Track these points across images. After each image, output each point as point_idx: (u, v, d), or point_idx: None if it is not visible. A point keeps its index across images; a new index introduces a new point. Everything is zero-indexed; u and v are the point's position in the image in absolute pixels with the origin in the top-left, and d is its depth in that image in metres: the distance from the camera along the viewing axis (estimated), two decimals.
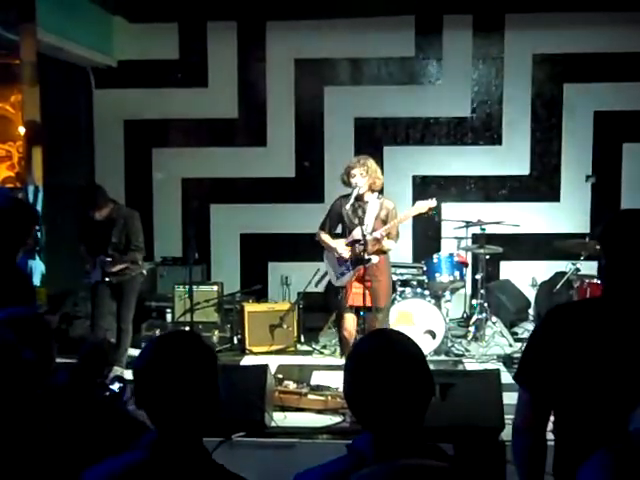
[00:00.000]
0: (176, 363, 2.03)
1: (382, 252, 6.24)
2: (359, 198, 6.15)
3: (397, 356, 1.97)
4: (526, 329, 8.39)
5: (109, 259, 6.50)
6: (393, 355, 1.97)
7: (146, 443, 2.03)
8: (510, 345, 7.59)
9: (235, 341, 7.87)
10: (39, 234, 6.94)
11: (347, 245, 6.25)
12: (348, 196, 6.18)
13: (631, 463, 1.61)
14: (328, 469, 1.97)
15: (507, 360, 7.10)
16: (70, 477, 2.36)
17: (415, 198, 6.48)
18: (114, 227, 6.51)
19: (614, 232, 2.47)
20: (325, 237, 6.37)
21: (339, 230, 6.45)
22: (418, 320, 7.32)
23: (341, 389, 2.10)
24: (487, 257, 7.97)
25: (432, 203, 6.21)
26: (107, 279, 6.57)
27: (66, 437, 2.75)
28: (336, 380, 5.78)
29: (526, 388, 2.51)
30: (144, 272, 6.92)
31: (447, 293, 7.79)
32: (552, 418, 2.54)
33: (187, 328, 7.21)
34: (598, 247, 2.53)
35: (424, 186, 9.07)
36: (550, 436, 2.51)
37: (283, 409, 5.53)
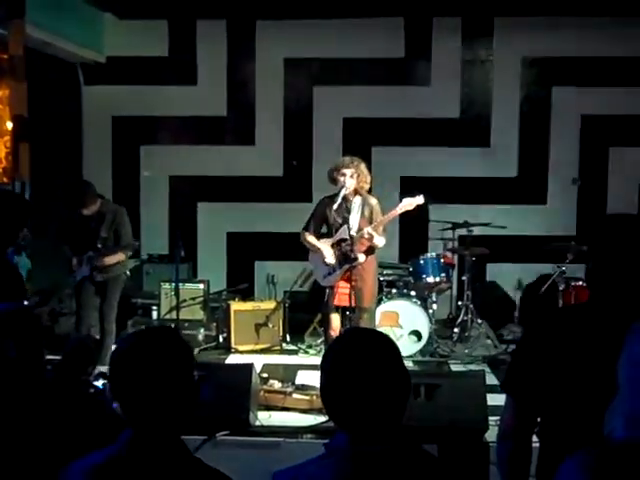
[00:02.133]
0: (149, 358, 2.02)
1: (372, 250, 6.24)
2: (344, 198, 6.14)
3: (372, 354, 1.98)
4: (511, 331, 8.42)
5: (96, 253, 6.48)
6: (368, 353, 1.98)
7: (123, 439, 2.04)
8: (495, 347, 7.61)
9: (221, 339, 7.87)
10: (25, 230, 6.92)
11: (333, 246, 6.23)
12: (333, 196, 6.17)
13: (609, 464, 1.62)
14: (306, 468, 1.97)
15: (492, 361, 7.13)
16: (53, 471, 2.36)
17: (402, 199, 6.48)
18: (103, 222, 6.50)
19: (602, 236, 2.48)
20: (310, 238, 6.34)
21: (324, 230, 6.45)
22: (404, 321, 7.35)
23: None
24: (473, 259, 8.01)
25: (419, 200, 6.19)
26: (94, 274, 6.54)
27: (50, 432, 2.75)
28: None
29: (512, 396, 2.51)
30: (128, 273, 6.89)
31: (433, 294, 7.81)
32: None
33: (173, 325, 7.20)
34: (586, 249, 2.53)
35: (412, 187, 9.03)
36: (534, 438, 2.52)
37: (268, 408, 5.52)
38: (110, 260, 6.53)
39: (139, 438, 2.01)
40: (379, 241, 6.15)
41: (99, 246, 6.49)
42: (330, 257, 6.19)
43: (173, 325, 7.26)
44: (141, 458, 1.99)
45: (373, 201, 6.24)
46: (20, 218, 4.28)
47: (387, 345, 2.03)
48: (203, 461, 2.07)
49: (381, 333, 2.11)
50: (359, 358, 1.96)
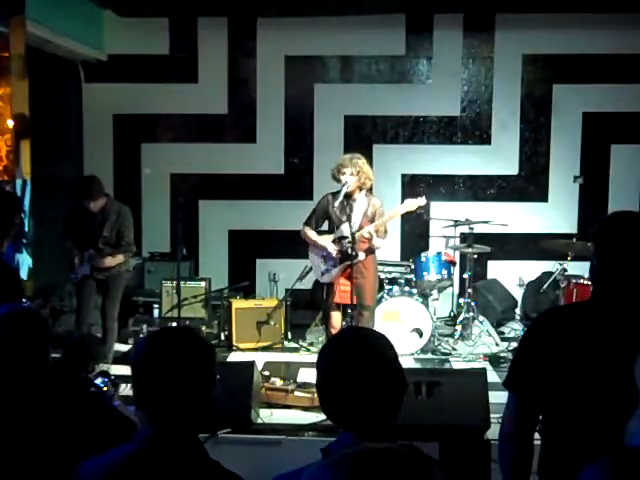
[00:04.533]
0: (172, 358, 2.03)
1: (370, 250, 6.24)
2: (347, 195, 6.15)
3: (366, 353, 1.97)
4: (513, 328, 8.43)
5: (97, 252, 6.46)
6: (362, 352, 1.97)
7: (142, 437, 2.03)
8: (497, 344, 7.60)
9: (222, 337, 7.86)
10: (26, 227, 6.91)
11: (334, 242, 6.24)
12: (336, 193, 6.18)
13: (629, 470, 1.61)
14: (308, 470, 1.97)
15: (493, 359, 7.13)
16: (55, 472, 2.35)
17: (404, 196, 6.50)
18: (107, 221, 6.47)
19: (607, 233, 2.47)
20: (311, 233, 6.36)
21: (325, 227, 6.45)
22: (405, 318, 7.34)
23: None
24: (475, 256, 7.99)
25: (422, 202, 6.21)
26: (95, 273, 6.53)
27: (51, 432, 2.74)
28: None
29: (515, 393, 2.51)
30: (131, 269, 6.90)
31: (435, 292, 7.80)
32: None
33: (174, 324, 7.20)
34: (590, 246, 2.52)
35: (413, 184, 9.08)
36: (536, 436, 2.52)
37: (269, 406, 5.53)
38: (109, 262, 6.52)
39: (159, 437, 2.01)
40: (378, 242, 6.17)
41: (100, 246, 6.48)
42: (333, 250, 6.20)
43: (174, 323, 7.26)
44: (160, 457, 1.99)
45: (377, 202, 6.25)
46: (5, 211, 4.27)
47: (381, 343, 2.03)
48: (219, 463, 2.07)
49: (375, 331, 2.11)
50: (353, 357, 1.96)
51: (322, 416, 5.32)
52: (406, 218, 8.37)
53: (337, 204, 6.13)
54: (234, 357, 7.33)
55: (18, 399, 2.58)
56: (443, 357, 7.36)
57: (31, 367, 2.66)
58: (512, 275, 9.09)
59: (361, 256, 6.12)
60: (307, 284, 7.85)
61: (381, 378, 1.95)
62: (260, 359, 6.69)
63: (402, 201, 6.46)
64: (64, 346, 4.11)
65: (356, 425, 1.94)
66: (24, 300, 4.38)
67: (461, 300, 8.10)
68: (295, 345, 7.78)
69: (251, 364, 5.44)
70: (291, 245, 7.70)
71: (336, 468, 1.93)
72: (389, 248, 8.08)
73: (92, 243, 6.48)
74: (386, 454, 1.91)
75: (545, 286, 7.75)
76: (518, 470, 2.50)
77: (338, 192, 6.14)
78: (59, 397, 2.89)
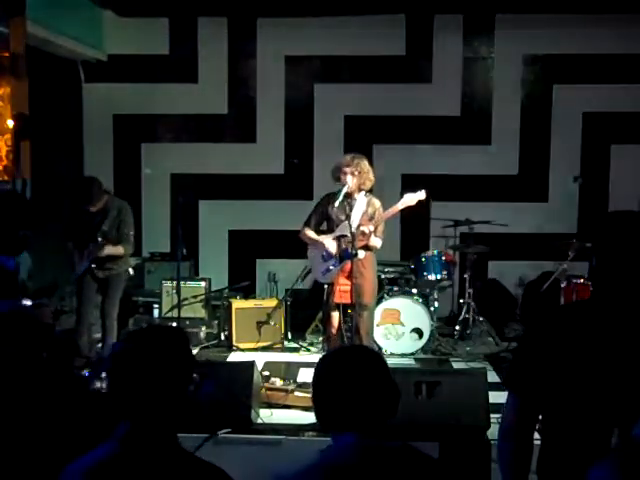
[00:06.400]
0: (147, 355, 2.05)
1: (368, 249, 6.23)
2: (347, 195, 6.14)
3: (358, 371, 2.12)
4: (513, 328, 8.43)
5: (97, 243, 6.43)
6: (354, 370, 2.11)
7: (119, 435, 2.04)
8: (497, 344, 7.61)
9: (222, 337, 7.87)
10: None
11: (334, 239, 6.23)
12: (336, 194, 6.17)
13: (636, 464, 1.61)
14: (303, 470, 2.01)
15: (493, 359, 7.12)
16: (52, 471, 2.36)
17: (404, 194, 6.48)
18: (107, 217, 6.47)
19: (606, 233, 2.47)
20: (310, 233, 6.34)
21: (324, 227, 6.44)
22: (405, 318, 7.34)
23: None
24: (475, 256, 8.00)
25: (421, 195, 6.18)
26: (95, 270, 6.50)
27: (49, 428, 2.75)
28: None
29: (515, 393, 2.50)
30: (130, 270, 6.89)
31: (435, 292, 7.80)
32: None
33: (174, 324, 7.20)
34: (589, 245, 2.52)
35: (413, 185, 9.01)
36: (535, 435, 2.52)
37: (270, 406, 5.53)
38: (108, 251, 6.47)
39: (135, 434, 2.02)
40: (376, 241, 6.15)
41: (99, 239, 6.45)
42: (332, 247, 6.18)
43: (175, 323, 7.26)
44: (137, 454, 2.00)
45: (377, 203, 6.24)
46: (19, 219, 4.28)
47: (372, 360, 2.17)
48: (198, 457, 2.09)
49: (365, 348, 2.28)
50: (346, 375, 2.11)
51: None
52: (406, 218, 8.36)
53: (337, 204, 6.11)
54: (234, 357, 7.33)
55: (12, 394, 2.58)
56: (443, 357, 7.36)
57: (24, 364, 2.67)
58: (512, 275, 9.10)
59: (361, 254, 6.11)
60: (307, 284, 7.86)
61: (372, 393, 2.09)
62: (260, 359, 6.69)
63: None
64: (46, 345, 4.09)
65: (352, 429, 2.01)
66: (26, 300, 4.39)
67: (461, 300, 8.10)
68: (295, 345, 7.79)
69: (251, 364, 5.44)
70: (291, 245, 7.67)
71: (332, 456, 1.97)
72: (389, 248, 8.06)
73: (92, 238, 6.47)
74: (381, 447, 1.95)
75: (545, 286, 7.74)
76: (517, 469, 2.50)
77: (338, 192, 6.13)
78: (53, 396, 2.90)
